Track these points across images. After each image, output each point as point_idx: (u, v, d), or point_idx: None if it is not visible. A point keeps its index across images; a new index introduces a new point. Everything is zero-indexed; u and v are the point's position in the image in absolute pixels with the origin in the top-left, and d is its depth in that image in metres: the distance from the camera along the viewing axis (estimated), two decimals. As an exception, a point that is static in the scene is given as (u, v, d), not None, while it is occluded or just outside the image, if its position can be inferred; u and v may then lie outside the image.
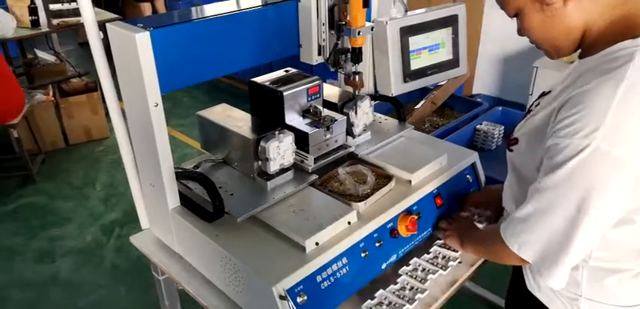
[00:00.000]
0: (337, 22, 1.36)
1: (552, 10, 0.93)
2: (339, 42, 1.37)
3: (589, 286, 1.05)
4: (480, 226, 1.38)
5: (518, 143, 1.09)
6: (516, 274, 1.23)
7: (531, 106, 1.17)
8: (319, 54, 1.41)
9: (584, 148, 0.86)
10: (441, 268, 1.29)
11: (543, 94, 1.15)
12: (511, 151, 1.13)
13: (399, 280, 1.27)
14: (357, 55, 1.35)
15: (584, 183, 0.89)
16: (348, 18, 1.30)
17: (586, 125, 0.86)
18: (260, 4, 1.38)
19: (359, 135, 1.53)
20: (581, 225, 0.92)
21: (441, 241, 1.39)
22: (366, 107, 1.52)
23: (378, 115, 1.71)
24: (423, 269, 1.30)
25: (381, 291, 1.23)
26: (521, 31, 1.03)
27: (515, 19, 1.02)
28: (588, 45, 0.97)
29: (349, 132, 1.50)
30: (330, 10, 1.35)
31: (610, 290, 1.04)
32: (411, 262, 1.32)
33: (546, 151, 0.94)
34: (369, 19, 1.27)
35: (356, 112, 1.48)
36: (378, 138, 1.56)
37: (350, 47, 1.35)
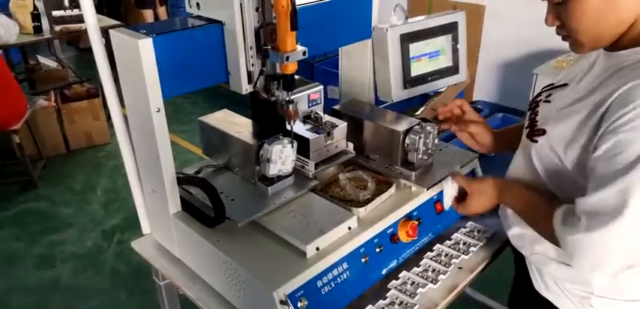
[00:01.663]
0: (263, 47, 1.21)
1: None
2: (265, 68, 1.23)
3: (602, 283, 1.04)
4: (475, 242, 1.36)
5: (545, 134, 1.05)
6: (520, 273, 1.23)
7: (538, 96, 1.16)
8: (249, 82, 1.26)
9: None
10: (431, 282, 1.27)
11: (552, 86, 1.14)
12: (536, 141, 1.08)
13: (387, 294, 1.24)
14: (288, 82, 1.20)
15: None
16: (276, 42, 1.16)
17: None
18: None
19: (418, 166, 1.41)
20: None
21: (433, 254, 1.37)
22: (431, 136, 1.41)
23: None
24: (413, 282, 1.28)
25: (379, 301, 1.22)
26: (555, 19, 0.98)
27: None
28: (627, 40, 0.95)
29: (408, 162, 1.41)
30: (257, 32, 1.20)
31: (623, 285, 1.03)
32: (400, 275, 1.30)
33: (601, 155, 0.90)
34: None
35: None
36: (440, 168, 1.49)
37: (280, 73, 1.21)
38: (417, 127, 1.40)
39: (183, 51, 1.19)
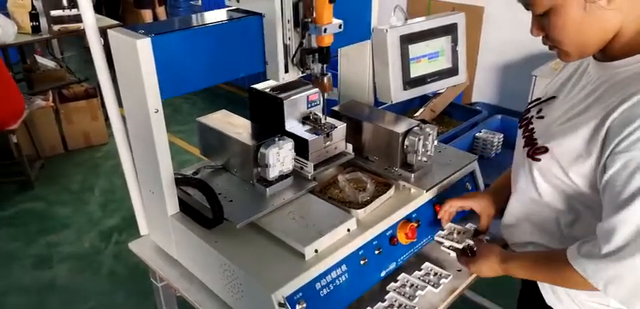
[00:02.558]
0: (302, 20, 1.25)
1: (594, 9, 0.90)
2: (304, 41, 1.26)
3: None
4: (466, 242, 1.35)
5: (548, 151, 1.03)
6: (528, 285, 1.21)
7: (527, 113, 1.14)
8: (286, 71, 1.31)
9: None
10: (433, 285, 1.27)
11: (539, 101, 1.13)
12: (538, 160, 1.06)
13: (386, 297, 1.24)
14: (324, 55, 1.25)
15: None
16: (314, 15, 1.20)
17: None
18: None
19: (417, 169, 1.41)
20: None
21: (433, 258, 1.36)
22: (431, 138, 1.41)
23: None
24: (412, 285, 1.27)
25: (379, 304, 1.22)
26: (539, 30, 0.98)
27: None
28: (616, 50, 0.94)
29: (405, 163, 1.42)
30: (295, 6, 1.25)
31: None
32: (399, 278, 1.29)
33: (614, 173, 0.89)
34: (337, 9, 1.17)
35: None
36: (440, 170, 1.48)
37: (316, 47, 1.25)
38: (416, 128, 1.40)
39: (186, 50, 1.19)
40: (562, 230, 1.09)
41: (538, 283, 1.16)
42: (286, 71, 1.32)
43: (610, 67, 0.97)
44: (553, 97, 1.09)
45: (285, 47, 1.29)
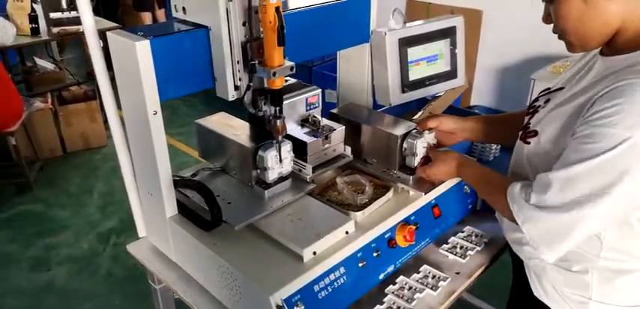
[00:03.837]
0: (250, 62, 1.20)
1: (595, 1, 0.92)
2: (253, 83, 1.22)
3: (599, 288, 1.05)
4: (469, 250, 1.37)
5: (537, 136, 1.07)
6: (519, 278, 1.23)
7: (536, 101, 1.16)
8: (235, 89, 1.24)
9: (626, 139, 0.86)
10: (431, 288, 1.27)
11: (549, 90, 1.15)
12: (528, 143, 1.09)
13: (385, 300, 1.23)
14: (275, 97, 1.19)
15: (617, 170, 0.88)
16: (264, 57, 1.15)
17: (627, 118, 0.86)
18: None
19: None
20: (598, 205, 0.91)
21: (431, 261, 1.36)
22: (429, 141, 1.40)
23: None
24: (410, 288, 1.27)
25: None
26: (548, 18, 1.02)
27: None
28: (619, 44, 0.96)
29: (406, 167, 1.42)
30: (244, 47, 1.19)
31: (621, 291, 1.04)
32: (397, 280, 1.29)
33: (575, 140, 0.93)
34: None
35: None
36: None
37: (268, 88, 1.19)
38: (414, 131, 1.40)
39: (180, 54, 1.19)
40: None
41: (527, 276, 1.18)
42: (236, 89, 1.25)
43: (610, 61, 0.98)
44: (561, 88, 1.10)
45: (236, 88, 1.23)
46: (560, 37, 1.02)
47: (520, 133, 1.15)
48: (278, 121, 1.22)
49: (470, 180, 1.29)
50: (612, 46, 0.98)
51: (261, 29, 1.14)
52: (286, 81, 1.50)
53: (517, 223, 1.03)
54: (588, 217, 0.93)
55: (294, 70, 1.18)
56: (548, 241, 0.98)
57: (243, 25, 1.18)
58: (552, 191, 0.95)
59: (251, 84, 1.23)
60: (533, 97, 1.21)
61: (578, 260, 1.06)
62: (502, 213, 1.11)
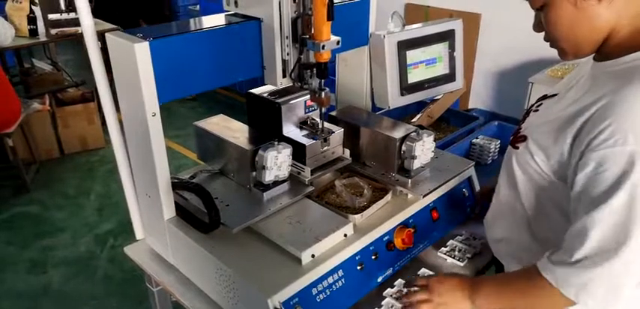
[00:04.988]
0: (301, 36, 1.26)
1: (586, 6, 0.91)
2: (302, 56, 1.27)
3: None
4: (466, 259, 1.34)
5: (525, 140, 1.06)
6: None
7: (531, 107, 1.16)
8: (284, 75, 1.31)
9: (636, 153, 0.83)
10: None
11: (545, 96, 1.15)
12: (517, 148, 1.08)
13: (383, 303, 1.23)
14: (322, 70, 1.25)
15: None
16: (313, 31, 1.21)
17: (629, 132, 0.84)
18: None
19: (415, 174, 1.42)
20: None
21: (430, 264, 1.36)
22: (428, 144, 1.41)
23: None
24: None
25: None
26: (539, 26, 1.01)
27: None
28: (610, 49, 0.95)
29: (404, 169, 1.41)
30: (294, 22, 1.26)
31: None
32: (395, 283, 1.29)
33: (588, 172, 0.89)
34: (335, 32, 1.19)
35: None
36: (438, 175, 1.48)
37: (314, 62, 1.25)
38: (413, 134, 1.40)
39: (184, 54, 1.19)
40: (532, 229, 1.10)
41: None
42: (284, 76, 1.32)
43: (599, 67, 0.98)
44: (556, 94, 1.10)
45: (284, 62, 1.29)
46: (552, 45, 1.01)
47: (511, 138, 1.14)
48: (323, 92, 1.28)
49: (493, 301, 1.04)
50: (603, 50, 0.97)
51: (311, 5, 1.20)
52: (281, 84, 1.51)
53: (573, 303, 0.91)
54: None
55: (340, 44, 1.23)
56: (614, 289, 0.89)
57: (294, 1, 1.24)
58: (593, 235, 0.87)
59: (301, 57, 1.27)
60: (531, 100, 1.22)
61: None
62: (552, 305, 0.95)
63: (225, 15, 1.33)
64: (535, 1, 0.97)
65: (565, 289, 0.91)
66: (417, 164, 1.39)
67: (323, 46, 1.19)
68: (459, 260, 1.37)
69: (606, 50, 0.96)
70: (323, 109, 1.34)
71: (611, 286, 0.89)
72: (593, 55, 1.02)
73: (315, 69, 1.26)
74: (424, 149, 1.40)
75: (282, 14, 1.24)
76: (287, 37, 1.27)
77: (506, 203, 1.16)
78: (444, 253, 1.40)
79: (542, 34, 1.02)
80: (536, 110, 1.11)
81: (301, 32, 1.26)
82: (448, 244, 1.43)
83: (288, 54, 1.28)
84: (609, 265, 0.87)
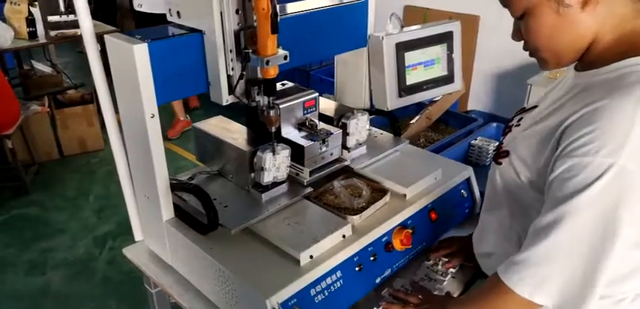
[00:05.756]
0: (243, 50, 1.17)
1: (568, 13, 0.88)
2: (245, 73, 1.20)
3: None
4: (447, 275, 1.31)
5: (508, 156, 1.04)
6: None
7: (511, 122, 1.15)
8: (230, 92, 1.22)
9: (609, 166, 0.80)
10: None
11: (524, 109, 1.13)
12: (500, 163, 1.07)
13: (381, 304, 1.22)
14: (269, 87, 1.18)
15: (610, 203, 0.82)
16: (257, 45, 1.13)
17: (608, 143, 0.81)
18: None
19: (353, 148, 1.52)
20: (610, 250, 0.84)
21: (431, 262, 1.36)
22: (363, 122, 1.51)
23: (374, 129, 1.71)
24: (407, 291, 1.25)
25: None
26: (518, 34, 0.98)
27: (502, 25, 0.99)
28: (592, 58, 0.93)
29: (344, 145, 1.49)
30: (237, 35, 1.17)
31: None
32: (394, 284, 1.28)
33: (557, 175, 0.87)
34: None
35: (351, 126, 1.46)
36: (374, 152, 1.57)
37: (262, 78, 1.18)
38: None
39: (179, 57, 1.19)
40: (521, 242, 1.05)
41: None
42: (230, 93, 1.23)
43: (582, 76, 0.96)
44: (535, 106, 1.08)
45: (229, 77, 1.21)
46: (531, 55, 0.98)
47: (493, 154, 1.13)
48: (271, 111, 1.21)
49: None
50: (585, 59, 0.95)
51: (255, 18, 1.11)
52: (284, 84, 1.52)
53: (536, 306, 0.90)
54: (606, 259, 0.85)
55: (288, 59, 1.15)
56: (571, 294, 0.87)
57: (237, 12, 1.15)
58: (547, 236, 0.87)
59: (244, 73, 1.20)
60: (529, 102, 1.21)
61: None
62: (514, 307, 0.93)
63: (169, 26, 1.26)
64: (516, 9, 0.94)
65: (520, 289, 0.90)
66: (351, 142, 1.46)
67: (267, 62, 1.12)
68: (441, 275, 1.32)
69: (588, 59, 0.94)
70: (272, 129, 1.23)
71: (573, 285, 0.87)
72: (575, 64, 1.00)
73: (262, 85, 1.19)
74: (358, 127, 1.47)
75: (224, 27, 1.16)
76: (231, 51, 1.18)
77: (493, 218, 1.15)
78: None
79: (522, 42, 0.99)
80: (518, 125, 1.09)
81: (244, 46, 1.18)
82: (417, 273, 1.40)
83: (232, 69, 1.19)
84: (566, 265, 0.86)
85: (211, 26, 1.16)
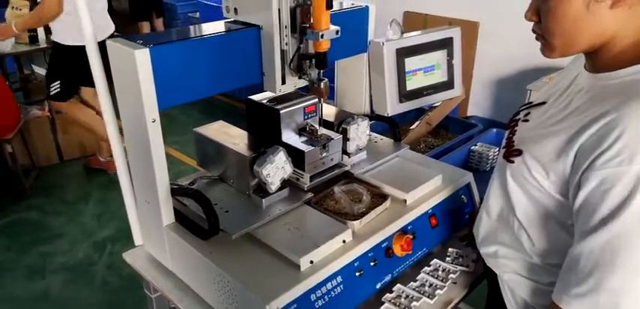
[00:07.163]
0: (300, 25, 1.27)
1: (596, 9, 0.87)
2: (302, 46, 1.28)
3: None
4: (447, 281, 1.31)
5: (521, 154, 1.02)
6: (493, 293, 1.21)
7: (516, 115, 1.14)
8: (283, 82, 1.33)
9: None
10: (428, 296, 1.26)
11: (531, 104, 1.13)
12: (512, 162, 1.04)
13: (381, 308, 1.23)
14: (321, 60, 1.27)
15: None
16: (312, 21, 1.23)
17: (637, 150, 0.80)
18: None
19: (354, 154, 1.52)
20: None
21: (430, 269, 1.35)
22: (363, 128, 1.52)
23: (374, 134, 1.72)
24: (407, 296, 1.27)
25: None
26: (535, 14, 0.96)
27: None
28: (607, 59, 0.92)
29: (344, 150, 1.49)
30: (293, 12, 1.26)
31: None
32: (394, 288, 1.29)
33: (592, 189, 0.86)
34: (334, 22, 1.21)
35: (351, 131, 1.47)
36: (374, 157, 1.57)
37: (314, 52, 1.27)
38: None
39: (184, 61, 1.20)
40: (530, 240, 1.06)
41: (502, 291, 1.15)
42: (283, 83, 1.33)
43: (597, 79, 0.95)
44: (543, 103, 1.08)
45: (283, 53, 1.30)
46: (539, 37, 0.97)
47: (503, 150, 1.10)
48: (322, 83, 1.31)
49: None
50: (599, 60, 0.94)
51: None
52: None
53: None
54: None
55: (340, 33, 1.25)
56: None
57: None
58: (586, 261, 0.86)
59: (301, 46, 1.29)
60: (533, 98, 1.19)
61: (550, 274, 1.03)
62: None
63: (225, 22, 1.34)
64: None
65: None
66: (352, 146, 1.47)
67: (322, 35, 1.21)
68: (428, 297, 1.28)
69: (603, 59, 0.94)
70: (322, 102, 1.36)
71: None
72: (585, 64, 1.00)
73: (314, 59, 1.27)
74: (359, 133, 1.49)
75: (281, 14, 1.25)
76: (286, 27, 1.27)
77: (500, 217, 1.14)
78: (445, 261, 1.39)
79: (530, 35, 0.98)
80: (526, 121, 1.08)
81: (300, 22, 1.27)
82: (449, 251, 1.42)
83: (286, 44, 1.29)
84: (611, 290, 0.85)
85: (269, 19, 1.25)
